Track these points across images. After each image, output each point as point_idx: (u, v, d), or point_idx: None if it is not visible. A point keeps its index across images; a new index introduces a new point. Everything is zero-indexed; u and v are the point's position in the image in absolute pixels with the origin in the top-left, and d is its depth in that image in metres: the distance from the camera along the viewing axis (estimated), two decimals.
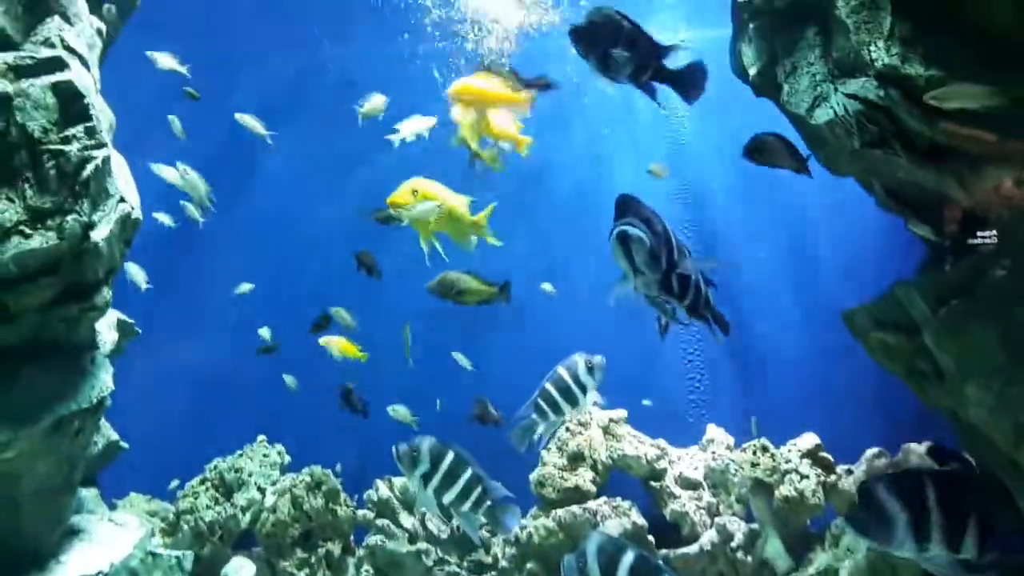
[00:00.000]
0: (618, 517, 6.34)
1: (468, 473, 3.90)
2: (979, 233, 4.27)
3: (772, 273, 7.66)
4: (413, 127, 5.58)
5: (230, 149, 7.83)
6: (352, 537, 6.90)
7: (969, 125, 3.66)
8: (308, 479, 6.74)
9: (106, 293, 4.74)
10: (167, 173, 6.00)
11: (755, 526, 6.21)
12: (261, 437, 7.33)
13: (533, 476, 6.70)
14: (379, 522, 6.75)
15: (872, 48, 3.86)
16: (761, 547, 6.07)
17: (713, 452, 6.93)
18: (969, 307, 4.06)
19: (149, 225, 5.32)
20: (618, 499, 6.53)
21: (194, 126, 6.80)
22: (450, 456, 3.90)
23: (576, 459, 6.71)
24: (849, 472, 6.21)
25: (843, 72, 4.17)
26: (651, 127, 8.10)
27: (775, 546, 5.99)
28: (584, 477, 6.63)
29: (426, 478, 3.90)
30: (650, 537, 6.36)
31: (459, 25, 7.44)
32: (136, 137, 5.46)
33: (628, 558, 3.23)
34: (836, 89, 4.22)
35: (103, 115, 4.61)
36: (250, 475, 6.92)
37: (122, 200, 4.71)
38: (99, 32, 4.87)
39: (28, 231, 4.05)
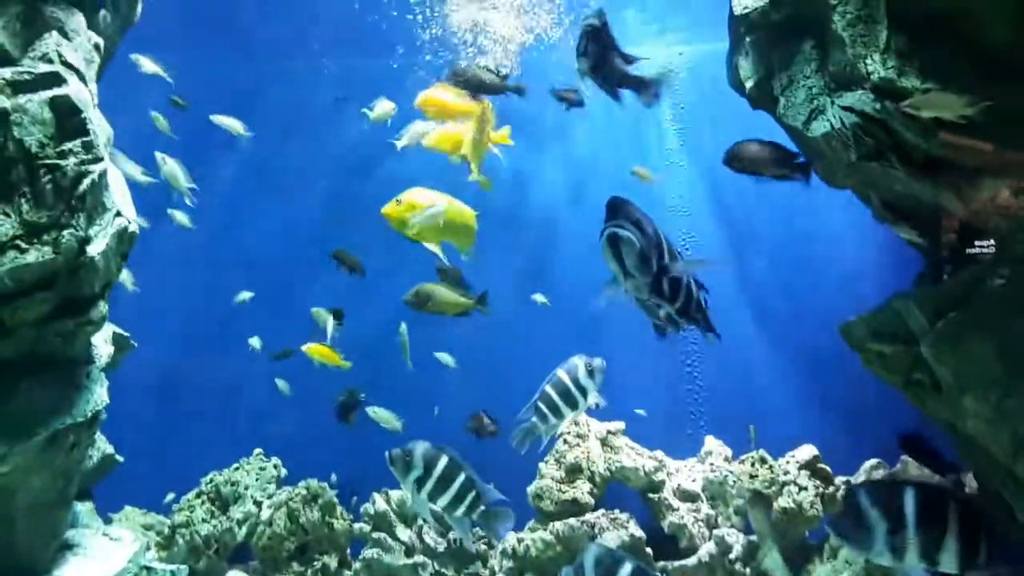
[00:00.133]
0: (616, 529, 6.32)
1: (462, 478, 3.89)
2: (977, 243, 4.28)
3: (770, 285, 7.67)
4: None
5: (227, 159, 7.86)
6: (348, 550, 6.86)
7: (966, 136, 3.67)
8: (304, 492, 6.71)
9: (102, 307, 4.73)
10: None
11: (754, 538, 6.19)
12: (257, 450, 7.30)
13: (531, 488, 6.68)
14: (375, 535, 6.72)
15: (868, 61, 3.87)
16: (760, 559, 6.06)
17: (711, 464, 6.92)
18: (967, 319, 4.06)
19: (144, 234, 5.30)
20: (616, 511, 6.51)
21: (191, 136, 6.80)
22: (444, 461, 3.88)
23: (574, 471, 6.69)
24: (848, 484, 6.20)
25: (839, 85, 4.19)
26: (651, 135, 8.14)
27: (774, 558, 5.98)
28: (582, 489, 6.61)
29: (420, 483, 3.89)
30: (648, 549, 6.33)
31: (455, 38, 7.48)
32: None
33: (626, 570, 3.23)
34: (832, 102, 4.24)
35: (101, 129, 4.61)
36: (246, 488, 6.89)
37: (119, 214, 4.71)
38: (97, 47, 4.86)
39: (24, 245, 4.05)
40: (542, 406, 4.24)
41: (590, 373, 4.24)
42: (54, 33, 4.36)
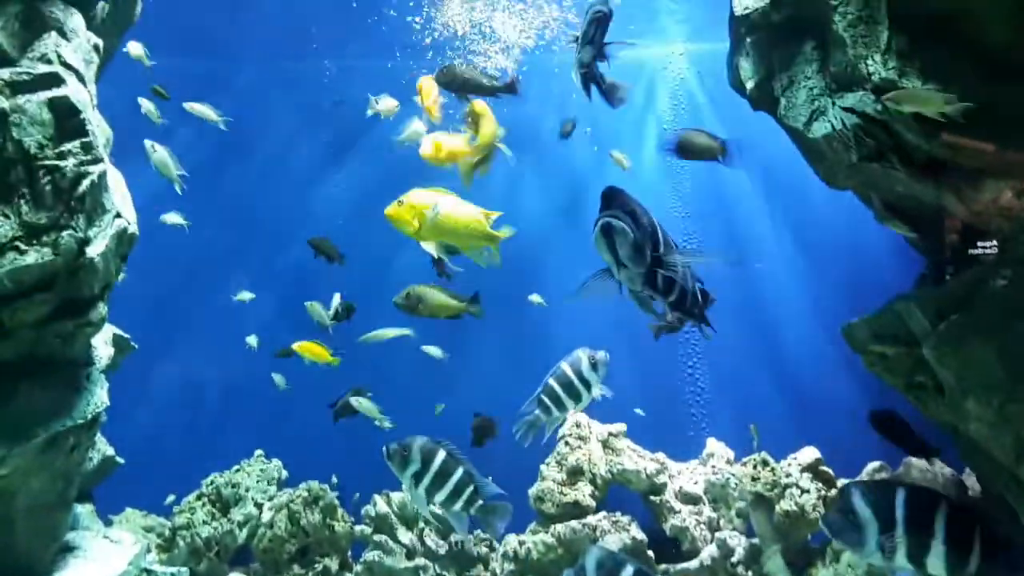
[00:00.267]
0: (618, 532, 6.30)
1: (460, 472, 3.87)
2: (979, 244, 4.26)
3: (771, 286, 7.64)
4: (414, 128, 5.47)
5: (226, 160, 7.86)
6: (350, 553, 6.85)
7: (967, 136, 3.66)
8: (305, 494, 6.70)
9: (102, 309, 4.73)
10: (171, 170, 5.85)
11: (756, 541, 6.17)
12: (259, 451, 7.29)
13: (532, 491, 6.66)
14: (377, 538, 6.70)
15: (869, 62, 3.86)
16: (762, 562, 6.03)
17: (713, 466, 6.90)
18: (969, 321, 4.04)
19: (144, 235, 5.29)
20: (618, 514, 6.49)
21: (190, 138, 6.80)
22: (441, 455, 3.86)
23: (575, 473, 6.67)
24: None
25: (840, 86, 4.17)
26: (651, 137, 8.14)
27: (776, 561, 5.95)
28: (583, 492, 6.58)
29: (417, 477, 3.87)
30: (650, 552, 6.31)
31: (457, 42, 7.48)
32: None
33: (627, 573, 3.22)
34: (834, 103, 4.22)
35: (100, 130, 4.61)
36: (247, 490, 6.88)
37: (118, 215, 4.70)
38: (96, 48, 4.86)
39: (23, 247, 4.05)
40: (545, 399, 4.23)
41: (594, 366, 4.23)
42: (53, 34, 4.36)
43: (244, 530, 6.66)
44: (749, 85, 5.10)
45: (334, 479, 7.00)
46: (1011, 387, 3.78)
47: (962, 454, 4.83)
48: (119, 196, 4.83)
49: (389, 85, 6.00)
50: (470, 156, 4.79)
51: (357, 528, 6.83)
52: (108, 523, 6.44)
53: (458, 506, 3.90)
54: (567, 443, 6.81)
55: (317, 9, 7.71)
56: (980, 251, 4.26)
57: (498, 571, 6.65)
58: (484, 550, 6.87)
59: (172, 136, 6.55)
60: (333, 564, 6.62)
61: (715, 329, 3.82)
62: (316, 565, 6.58)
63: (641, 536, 6.35)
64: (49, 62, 4.28)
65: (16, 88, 4.09)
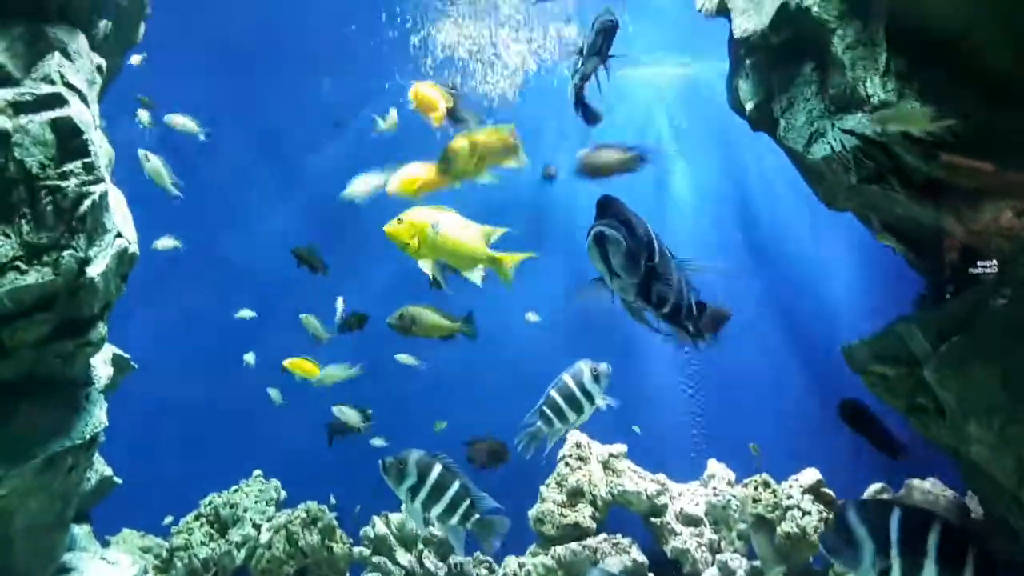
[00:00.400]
0: (618, 554, 6.25)
1: (456, 486, 3.85)
2: (979, 264, 4.25)
3: (772, 306, 7.64)
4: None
5: (225, 179, 7.87)
6: (348, 574, 6.80)
7: (966, 157, 3.67)
8: (304, 515, 6.66)
9: (101, 329, 4.72)
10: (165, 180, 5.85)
11: (757, 563, 6.12)
12: (257, 472, 7.25)
13: (532, 512, 6.62)
14: (375, 559, 6.66)
15: (868, 84, 3.88)
16: None
17: (714, 488, 6.86)
18: (970, 343, 4.03)
19: (146, 254, 5.28)
20: (618, 536, 6.45)
21: (190, 154, 6.82)
22: (437, 469, 3.84)
23: (575, 495, 6.63)
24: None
25: (839, 108, 4.19)
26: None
27: None
28: (584, 513, 6.55)
29: (413, 491, 3.84)
30: (651, 574, 6.27)
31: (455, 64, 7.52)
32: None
33: None
34: (833, 125, 4.24)
35: (102, 150, 4.62)
36: (245, 511, 6.84)
37: (119, 235, 4.70)
38: (99, 68, 4.88)
39: (24, 267, 4.05)
40: (547, 411, 4.21)
41: (596, 378, 4.22)
42: (56, 54, 4.37)
43: (242, 551, 6.61)
44: (748, 106, 5.12)
45: (332, 499, 6.96)
46: (1012, 409, 3.77)
47: (964, 476, 4.81)
48: (120, 216, 4.84)
49: (388, 106, 6.02)
50: (441, 185, 4.74)
51: (356, 549, 6.78)
52: (105, 544, 6.40)
53: (454, 520, 3.88)
54: (567, 464, 6.78)
55: (318, 29, 7.77)
56: (980, 271, 4.26)
57: None
58: (483, 572, 6.82)
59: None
60: None
61: (707, 342, 3.77)
62: None
63: (642, 558, 6.31)
64: (52, 83, 4.28)
65: (19, 108, 4.09)
